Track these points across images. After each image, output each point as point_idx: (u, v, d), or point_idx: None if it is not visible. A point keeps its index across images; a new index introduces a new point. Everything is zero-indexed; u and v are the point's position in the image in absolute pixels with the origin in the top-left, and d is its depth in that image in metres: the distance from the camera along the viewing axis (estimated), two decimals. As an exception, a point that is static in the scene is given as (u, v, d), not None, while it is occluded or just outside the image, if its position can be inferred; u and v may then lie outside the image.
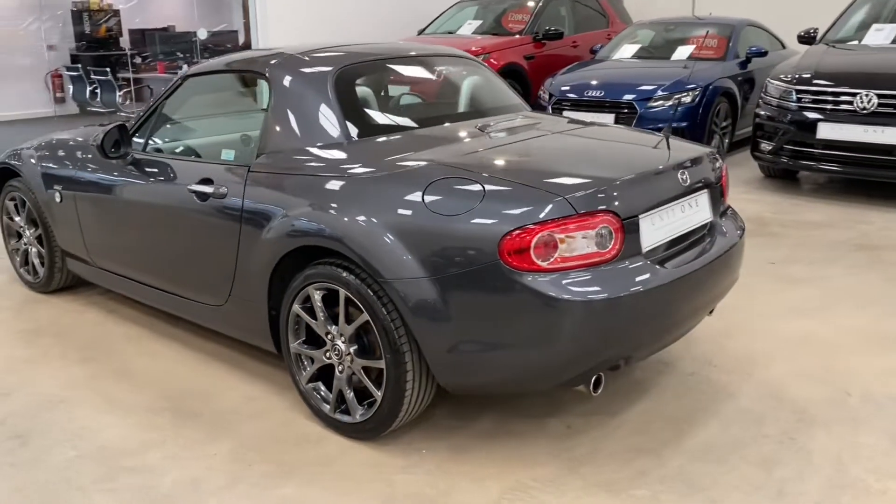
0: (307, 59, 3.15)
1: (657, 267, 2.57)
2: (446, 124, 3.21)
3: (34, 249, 4.24)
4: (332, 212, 2.64)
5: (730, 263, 2.96)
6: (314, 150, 2.89)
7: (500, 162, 2.74)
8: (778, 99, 6.63)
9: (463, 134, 3.07)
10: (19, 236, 4.34)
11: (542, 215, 2.36)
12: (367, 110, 3.13)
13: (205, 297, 3.22)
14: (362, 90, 3.20)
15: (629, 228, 2.52)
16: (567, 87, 8.10)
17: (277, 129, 3.00)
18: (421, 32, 10.48)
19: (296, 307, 2.81)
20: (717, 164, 3.07)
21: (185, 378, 3.30)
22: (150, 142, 3.51)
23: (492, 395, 3.00)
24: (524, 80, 9.45)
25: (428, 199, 2.49)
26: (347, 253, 2.56)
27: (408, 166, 2.70)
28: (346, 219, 2.59)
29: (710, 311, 3.19)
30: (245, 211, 2.91)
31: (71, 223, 3.84)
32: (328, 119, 2.95)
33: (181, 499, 2.48)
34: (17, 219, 4.30)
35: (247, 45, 10.58)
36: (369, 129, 3.03)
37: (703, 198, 2.94)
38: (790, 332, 3.70)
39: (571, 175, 2.60)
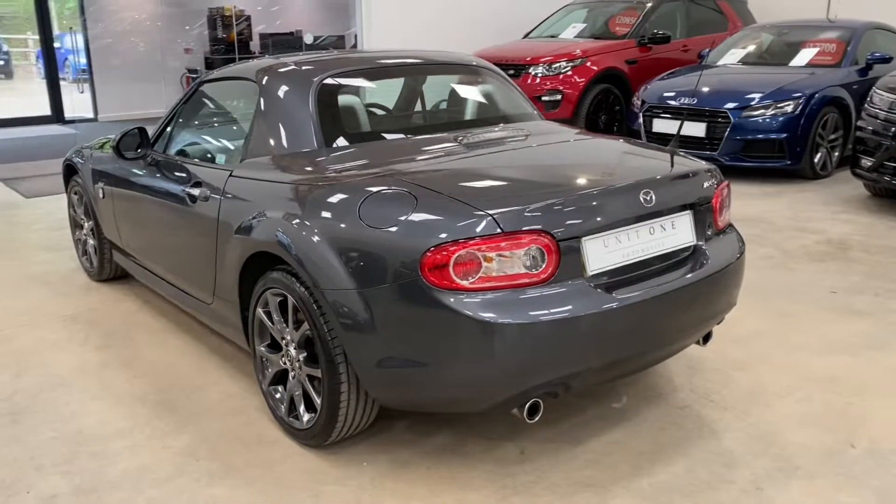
0: (294, 67, 3.20)
1: (599, 292, 2.42)
2: (424, 135, 3.16)
3: (91, 241, 4.58)
4: (282, 219, 2.67)
5: (714, 290, 2.74)
6: (284, 158, 2.94)
7: (448, 176, 2.67)
8: (886, 111, 6.04)
9: (433, 145, 3.02)
10: (81, 227, 4.70)
11: (464, 233, 2.28)
12: (345, 120, 3.14)
13: (200, 294, 3.36)
14: (347, 99, 3.22)
15: (567, 250, 2.38)
16: (659, 94, 7.78)
17: (258, 136, 3.07)
18: (526, 36, 10.40)
19: (259, 311, 2.88)
20: (708, 184, 2.84)
21: (181, 371, 3.46)
22: (168, 144, 3.70)
23: (432, 413, 2.93)
24: (625, 85, 9.15)
25: (363, 210, 2.47)
26: (290, 261, 2.59)
27: (355, 177, 2.69)
28: (292, 227, 2.62)
29: (704, 341, 2.97)
30: (221, 214, 3.01)
31: (110, 217, 4.12)
32: (304, 127, 2.99)
33: (122, 485, 2.60)
34: (79, 211, 4.66)
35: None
36: (342, 138, 3.04)
37: (682, 220, 2.73)
38: (819, 368, 3.36)
39: (512, 192, 2.50)
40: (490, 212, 2.32)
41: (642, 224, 2.60)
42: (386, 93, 3.54)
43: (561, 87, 8.84)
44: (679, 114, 7.40)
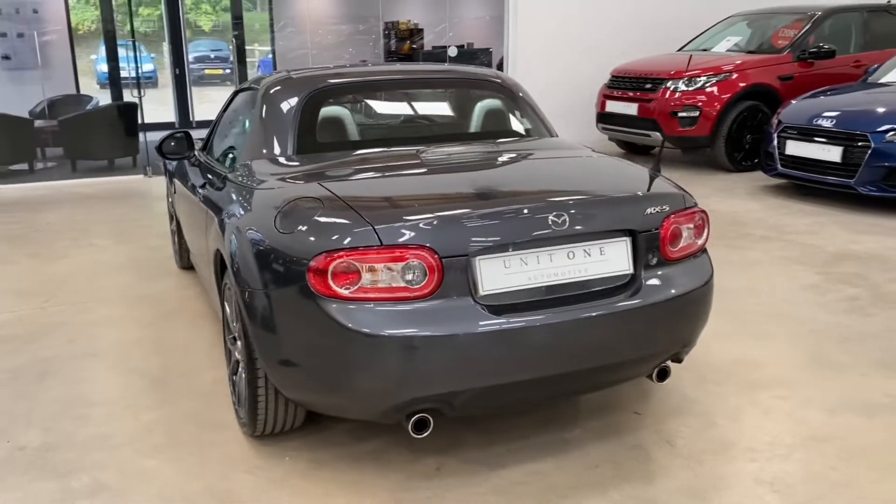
0: (293, 78, 3.40)
1: (483, 313, 2.36)
2: (392, 147, 3.22)
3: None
4: (228, 220, 2.87)
5: (648, 323, 2.56)
6: (258, 163, 3.14)
7: (372, 188, 2.74)
8: None
9: (390, 158, 3.08)
10: (172, 219, 5.25)
11: (345, 242, 2.34)
12: (323, 129, 3.28)
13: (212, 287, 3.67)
14: (331, 110, 3.35)
15: (453, 268, 2.36)
16: (798, 114, 7.15)
17: (251, 141, 3.30)
18: (681, 49, 9.95)
19: (225, 304, 3.10)
20: (654, 210, 2.65)
21: (191, 354, 3.78)
22: (207, 146, 4.05)
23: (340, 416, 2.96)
24: (776, 104, 8.48)
25: (280, 215, 2.59)
26: (226, 258, 2.78)
27: (290, 182, 2.82)
28: (233, 227, 2.81)
29: (659, 378, 2.77)
30: (212, 212, 3.26)
31: (177, 209, 4.59)
32: (284, 135, 3.18)
33: (79, 446, 2.92)
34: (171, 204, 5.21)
35: (500, 64, 10.98)
36: (314, 146, 3.18)
37: (615, 246, 2.58)
38: (820, 427, 3.00)
39: (411, 207, 2.51)
40: (374, 224, 2.36)
41: (558, 247, 2.49)
42: (382, 105, 3.64)
43: (699, 103, 8.38)
44: (816, 136, 6.76)
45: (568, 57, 10.21)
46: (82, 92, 12.60)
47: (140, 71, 12.76)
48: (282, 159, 3.11)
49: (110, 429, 3.07)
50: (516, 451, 2.86)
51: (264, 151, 3.19)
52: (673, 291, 2.63)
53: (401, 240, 2.33)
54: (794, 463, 2.76)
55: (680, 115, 8.42)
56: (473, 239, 2.39)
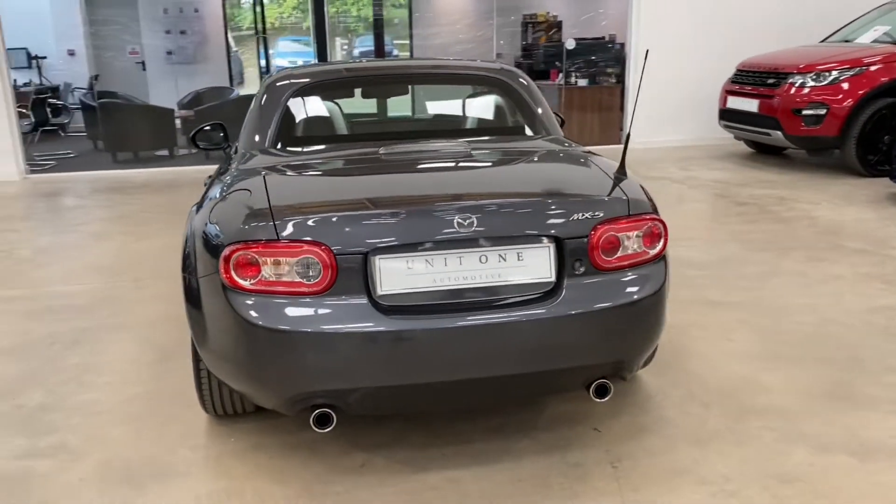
0: (290, 73, 3.50)
1: (375, 313, 2.33)
2: (359, 142, 3.24)
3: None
4: (194, 210, 3.02)
5: (566, 334, 2.43)
6: (239, 154, 3.27)
7: (304, 182, 2.77)
8: None
9: (350, 153, 3.10)
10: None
11: (248, 235, 2.40)
12: (304, 124, 3.34)
13: None
14: (318, 106, 3.41)
15: (349, 265, 2.35)
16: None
17: (241, 134, 3.44)
18: (824, 41, 9.10)
19: None
20: (583, 216, 2.48)
21: (208, 333, 4.01)
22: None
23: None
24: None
25: (219, 204, 2.70)
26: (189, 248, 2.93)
27: (238, 173, 2.91)
28: (190, 215, 2.95)
29: (598, 395, 2.61)
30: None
31: None
32: (265, 129, 3.29)
33: (66, 409, 3.20)
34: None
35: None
36: (288, 141, 3.26)
37: (536, 252, 2.45)
38: (794, 464, 2.69)
39: (318, 204, 2.52)
40: (276, 220, 2.40)
41: (468, 251, 2.41)
42: (369, 101, 3.65)
43: (827, 101, 7.65)
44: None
45: (695, 50, 9.67)
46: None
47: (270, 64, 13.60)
48: (255, 152, 3.22)
49: (100, 397, 3.33)
50: (450, 455, 2.80)
51: (248, 144, 3.32)
52: (599, 303, 2.46)
53: (296, 235, 2.36)
54: (736, 502, 2.49)
55: (804, 112, 7.73)
56: (371, 238, 2.36)
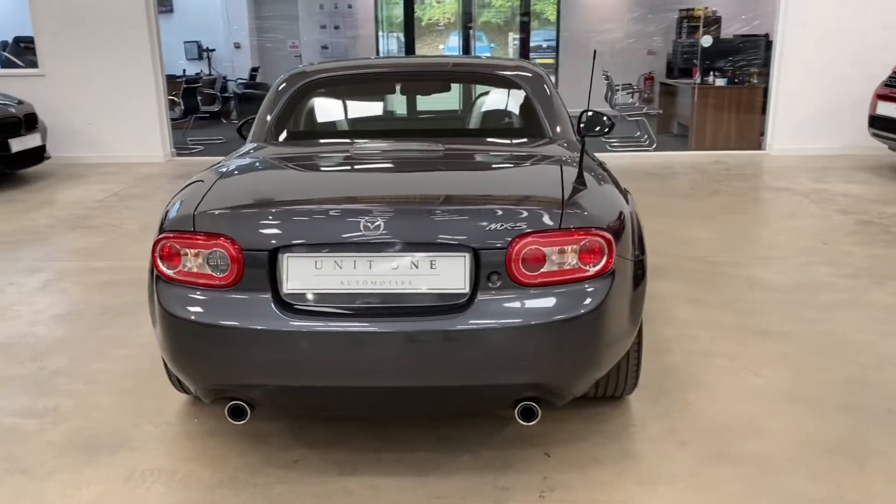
0: (302, 71, 3.56)
1: (275, 311, 2.33)
2: (341, 139, 3.25)
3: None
4: None
5: (476, 350, 2.31)
6: (241, 148, 3.38)
7: (257, 177, 2.80)
8: None
9: (327, 151, 3.12)
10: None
11: (172, 225, 2.48)
12: (301, 119, 3.38)
13: None
14: (321, 102, 3.44)
15: (255, 262, 2.36)
16: None
17: (254, 126, 3.55)
18: None
19: None
20: (501, 227, 2.32)
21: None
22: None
23: None
24: None
25: (176, 194, 2.80)
26: None
27: (217, 164, 3.00)
28: None
29: (524, 418, 2.46)
30: None
31: None
32: (263, 123, 3.38)
33: (77, 377, 3.47)
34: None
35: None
36: (285, 135, 3.33)
37: (450, 262, 2.34)
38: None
39: (244, 198, 2.54)
40: (195, 211, 2.46)
41: (381, 255, 2.34)
42: (369, 98, 3.61)
43: None
44: None
45: (845, 49, 8.73)
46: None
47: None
48: (252, 145, 3.32)
49: (110, 367, 3.59)
50: (386, 461, 2.74)
51: (252, 136, 3.42)
52: (511, 320, 2.30)
53: (209, 228, 2.40)
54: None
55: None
56: (279, 235, 2.36)
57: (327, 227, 2.36)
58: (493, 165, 2.98)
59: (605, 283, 2.44)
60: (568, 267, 2.38)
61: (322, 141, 3.34)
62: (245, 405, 2.48)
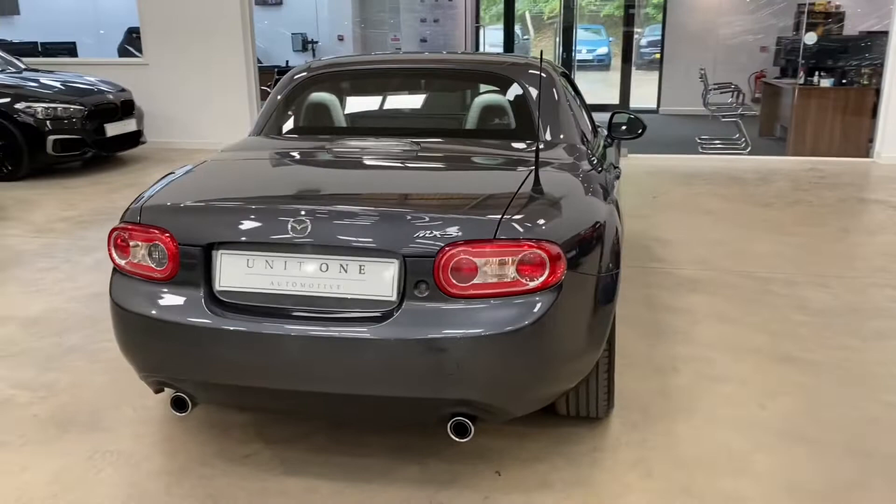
0: (308, 66, 3.55)
1: (203, 307, 2.32)
2: (326, 135, 3.21)
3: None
4: None
5: (397, 359, 2.22)
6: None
7: (230, 171, 2.80)
8: None
9: (306, 147, 3.10)
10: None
11: (124, 217, 2.53)
12: (296, 116, 3.37)
13: None
14: (318, 97, 3.40)
15: (190, 257, 2.36)
16: None
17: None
18: None
19: None
20: (430, 235, 2.21)
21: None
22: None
23: None
24: None
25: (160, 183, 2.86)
26: None
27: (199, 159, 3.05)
28: None
29: (457, 434, 2.37)
30: None
31: None
32: (265, 116, 3.40)
33: (85, 356, 3.63)
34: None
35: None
36: (275, 130, 3.33)
37: (379, 267, 2.26)
38: None
39: (199, 195, 2.55)
40: (144, 203, 2.49)
41: (311, 257, 2.29)
42: (366, 96, 3.54)
43: None
44: None
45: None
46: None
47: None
48: (245, 140, 3.35)
49: (114, 347, 3.69)
50: (334, 464, 2.70)
51: (250, 131, 3.46)
52: (432, 332, 2.19)
53: (149, 221, 2.43)
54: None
55: None
56: (213, 231, 2.35)
57: (259, 225, 2.33)
58: (457, 169, 2.86)
59: (548, 298, 2.28)
60: (505, 279, 2.24)
61: (307, 137, 3.32)
62: (186, 397, 2.51)
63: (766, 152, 9.30)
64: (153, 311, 2.39)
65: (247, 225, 2.34)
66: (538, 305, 2.26)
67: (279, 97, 3.43)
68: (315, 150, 3.05)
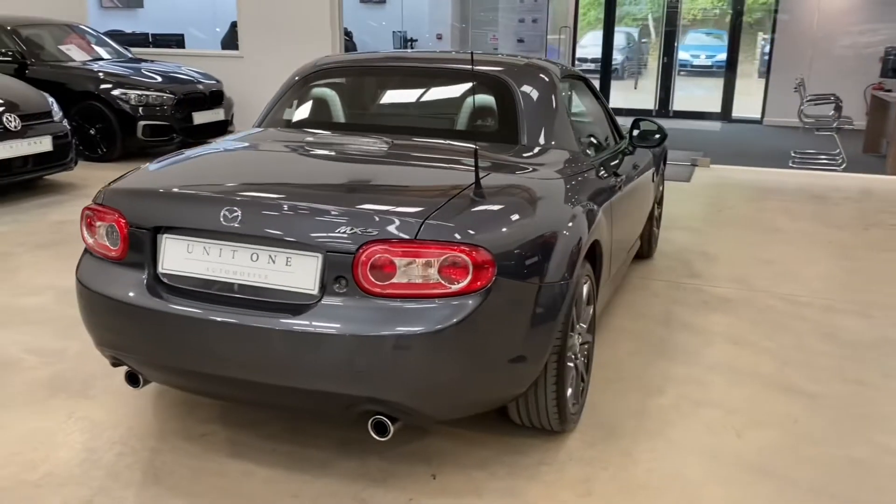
0: (318, 59, 3.63)
1: (143, 288, 2.43)
2: (310, 129, 3.30)
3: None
4: None
5: (311, 354, 2.25)
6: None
7: (203, 161, 2.91)
8: None
9: (288, 140, 3.17)
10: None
11: (93, 199, 2.67)
12: (292, 108, 3.43)
13: None
14: (316, 91, 3.47)
15: (138, 239, 2.48)
16: None
17: (266, 111, 3.70)
18: None
19: None
20: (351, 231, 2.21)
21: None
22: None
23: None
24: None
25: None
26: None
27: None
28: None
29: (377, 431, 2.38)
30: None
31: None
32: (267, 108, 3.51)
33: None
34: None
35: None
36: (270, 122, 3.42)
37: (304, 261, 2.29)
38: None
39: (155, 180, 2.66)
40: (107, 187, 2.64)
41: (243, 246, 2.35)
42: (360, 93, 3.56)
43: None
44: None
45: None
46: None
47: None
48: (250, 129, 3.47)
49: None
50: (281, 452, 2.75)
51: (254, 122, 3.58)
52: (342, 328, 2.19)
53: (105, 202, 2.57)
54: None
55: None
56: (158, 216, 2.45)
57: (197, 212, 2.41)
58: (410, 168, 2.84)
59: (470, 303, 2.24)
60: (428, 281, 2.22)
61: (294, 130, 3.37)
62: (137, 373, 2.63)
63: (866, 170, 8.68)
64: (102, 289, 2.52)
65: (187, 211, 2.43)
66: (458, 310, 2.23)
67: (281, 91, 3.53)
68: (286, 143, 3.13)
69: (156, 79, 8.68)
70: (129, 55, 9.70)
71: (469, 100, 3.23)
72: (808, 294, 4.51)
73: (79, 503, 2.45)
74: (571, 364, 2.79)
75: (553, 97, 3.24)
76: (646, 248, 4.94)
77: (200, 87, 8.91)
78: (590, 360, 3.08)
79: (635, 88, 15.81)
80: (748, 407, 3.14)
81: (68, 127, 6.98)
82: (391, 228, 2.23)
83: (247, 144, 3.13)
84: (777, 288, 4.60)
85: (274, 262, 2.32)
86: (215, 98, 9.07)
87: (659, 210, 5.25)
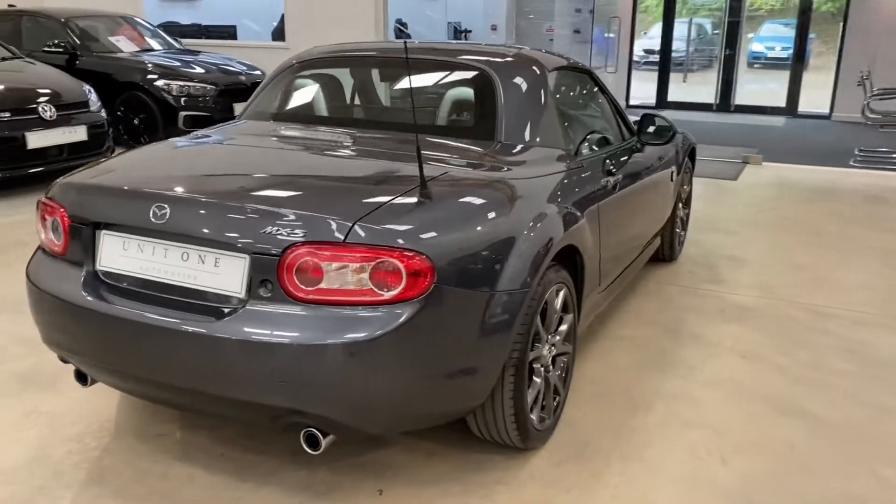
0: (302, 52, 3.51)
1: (78, 284, 2.35)
2: (287, 121, 3.21)
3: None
4: None
5: (225, 360, 2.13)
6: (231, 122, 3.47)
7: (170, 152, 2.84)
8: None
9: (263, 131, 3.10)
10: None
11: (46, 192, 2.62)
12: (279, 99, 3.34)
13: None
14: (300, 82, 3.35)
15: (78, 234, 2.41)
16: None
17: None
18: None
19: None
20: (275, 232, 2.08)
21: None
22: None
23: None
24: None
25: None
26: None
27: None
28: None
29: (309, 443, 2.25)
30: None
31: None
32: (250, 99, 3.42)
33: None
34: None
35: None
36: (250, 114, 3.33)
37: (231, 262, 2.17)
38: None
39: (100, 175, 2.58)
40: (56, 182, 2.58)
41: (175, 244, 2.25)
42: (348, 84, 3.40)
43: None
44: None
45: None
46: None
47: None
48: (232, 121, 3.39)
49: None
50: (227, 458, 2.66)
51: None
52: (259, 335, 2.06)
53: (52, 196, 2.51)
54: None
55: None
56: (96, 211, 2.37)
57: (129, 209, 2.31)
58: (365, 163, 2.69)
59: (404, 312, 2.08)
60: (360, 287, 2.08)
61: (267, 122, 3.26)
62: (83, 372, 2.57)
63: (937, 171, 8.10)
64: (45, 284, 2.46)
65: (121, 207, 2.34)
66: (390, 319, 2.07)
67: (266, 82, 3.43)
68: (251, 136, 3.03)
69: (199, 70, 8.76)
70: (179, 46, 9.83)
71: (448, 93, 3.05)
72: (836, 305, 4.17)
73: None
74: (539, 378, 2.60)
75: (540, 92, 3.04)
76: (667, 251, 4.66)
77: (243, 77, 8.95)
78: (568, 373, 2.88)
79: (684, 82, 15.20)
80: (742, 429, 2.88)
81: (105, 117, 7.08)
82: (319, 230, 2.09)
83: (210, 138, 3.04)
84: (803, 297, 4.27)
85: (203, 262, 2.21)
86: (257, 89, 9.11)
87: (686, 210, 4.96)
